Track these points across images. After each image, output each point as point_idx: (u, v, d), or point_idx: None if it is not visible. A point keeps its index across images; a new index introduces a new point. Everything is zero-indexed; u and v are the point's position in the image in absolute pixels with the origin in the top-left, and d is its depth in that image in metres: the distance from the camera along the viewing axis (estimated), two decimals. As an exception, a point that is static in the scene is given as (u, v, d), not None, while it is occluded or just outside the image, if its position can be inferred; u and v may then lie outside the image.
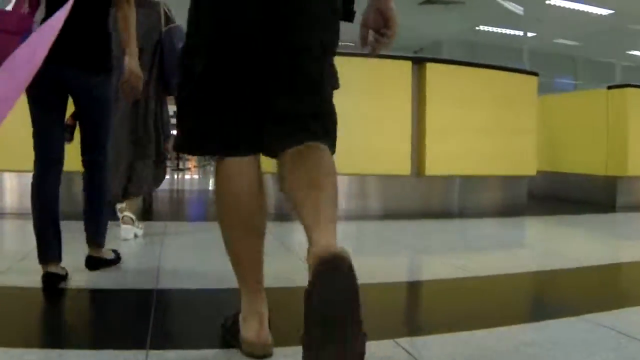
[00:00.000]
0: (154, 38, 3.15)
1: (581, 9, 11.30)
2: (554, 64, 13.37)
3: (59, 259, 1.98)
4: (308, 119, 1.26)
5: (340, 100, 4.08)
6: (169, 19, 3.26)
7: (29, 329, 1.57)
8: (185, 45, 1.32)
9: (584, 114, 5.75)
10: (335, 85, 1.37)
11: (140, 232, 3.10)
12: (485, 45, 13.11)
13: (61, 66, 1.94)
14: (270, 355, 1.29)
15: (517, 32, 12.86)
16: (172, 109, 4.81)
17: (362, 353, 1.01)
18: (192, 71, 1.26)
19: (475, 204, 4.66)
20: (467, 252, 2.96)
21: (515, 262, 2.71)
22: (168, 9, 3.30)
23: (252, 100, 1.25)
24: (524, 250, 3.23)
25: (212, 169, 12.37)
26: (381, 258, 2.76)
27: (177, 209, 5.14)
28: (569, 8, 11.20)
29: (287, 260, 2.50)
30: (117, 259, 2.30)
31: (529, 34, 11.93)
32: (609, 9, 11.20)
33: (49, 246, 1.97)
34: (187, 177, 11.12)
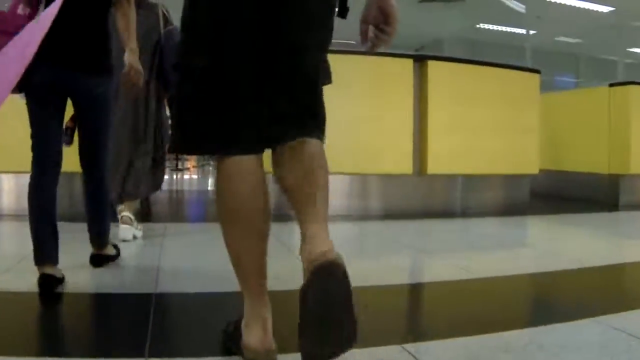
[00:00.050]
0: (153, 39, 3.14)
1: (582, 6, 11.27)
2: (555, 61, 13.34)
3: (55, 260, 1.95)
4: (305, 117, 1.29)
5: (341, 98, 4.07)
6: (167, 20, 3.25)
7: (24, 336, 1.53)
8: (182, 45, 1.28)
9: (586, 111, 5.72)
10: (328, 81, 1.37)
11: (139, 233, 3.07)
12: (486, 43, 13.08)
13: (61, 68, 1.95)
14: None
15: (517, 30, 12.84)
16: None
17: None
18: (191, 70, 1.23)
19: (478, 203, 4.63)
20: (470, 253, 2.92)
21: (519, 263, 2.68)
22: (166, 10, 3.29)
23: (252, 99, 1.23)
24: (528, 251, 3.19)
25: (211, 169, 12.39)
26: (384, 259, 2.72)
27: (177, 210, 5.11)
28: (569, 5, 11.16)
29: (288, 261, 2.44)
30: (117, 253, 2.35)
31: (531, 32, 11.90)
32: (610, 6, 11.16)
33: (45, 247, 1.94)
34: (186, 177, 11.07)
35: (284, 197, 1.29)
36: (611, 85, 5.56)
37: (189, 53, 1.25)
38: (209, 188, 8.03)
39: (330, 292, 1.12)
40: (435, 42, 13.73)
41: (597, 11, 11.49)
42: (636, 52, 14.35)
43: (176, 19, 3.34)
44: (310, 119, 1.30)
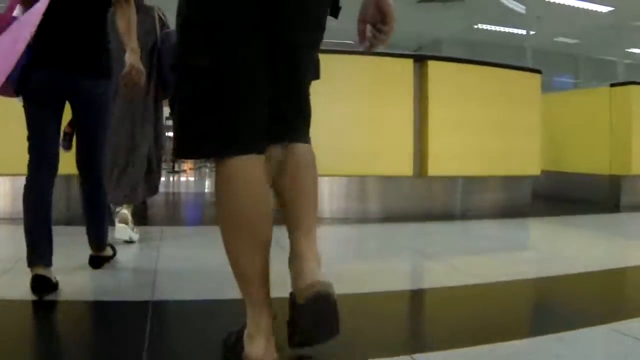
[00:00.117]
0: (149, 42, 3.11)
1: (581, 6, 11.24)
2: (554, 62, 13.31)
3: (49, 262, 1.91)
4: (300, 119, 1.35)
5: (340, 99, 4.00)
6: (163, 23, 3.24)
7: (17, 345, 1.47)
8: (180, 45, 1.23)
9: (587, 112, 5.68)
10: (316, 77, 1.39)
11: (135, 236, 3.01)
12: (484, 43, 13.06)
13: (60, 70, 1.94)
14: None
15: (516, 30, 12.82)
16: (167, 110, 4.71)
17: None
18: (190, 70, 1.19)
19: (478, 205, 4.58)
20: (473, 256, 2.87)
21: (524, 267, 2.62)
22: (162, 14, 3.28)
23: (252, 98, 1.21)
24: (532, 254, 3.13)
25: (207, 170, 12.34)
26: (386, 263, 2.66)
27: (174, 213, 5.04)
28: (568, 5, 11.13)
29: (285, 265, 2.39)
30: (114, 253, 2.35)
31: (530, 32, 11.87)
32: (609, 6, 11.14)
33: (39, 249, 1.90)
34: (182, 179, 11.00)
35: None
36: (612, 85, 5.52)
37: (187, 53, 1.21)
38: (206, 190, 7.98)
39: (320, 322, 1.25)
40: (433, 43, 13.71)
41: (595, 11, 11.47)
42: (635, 53, 14.34)
43: (172, 22, 3.34)
44: (303, 121, 1.36)
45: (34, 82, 1.92)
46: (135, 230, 3.05)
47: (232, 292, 1.31)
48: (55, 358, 1.39)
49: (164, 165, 4.07)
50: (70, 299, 1.86)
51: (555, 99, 6.10)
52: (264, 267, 1.23)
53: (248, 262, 1.22)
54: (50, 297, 1.85)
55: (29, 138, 1.99)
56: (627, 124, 5.28)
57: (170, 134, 12.72)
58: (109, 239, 2.37)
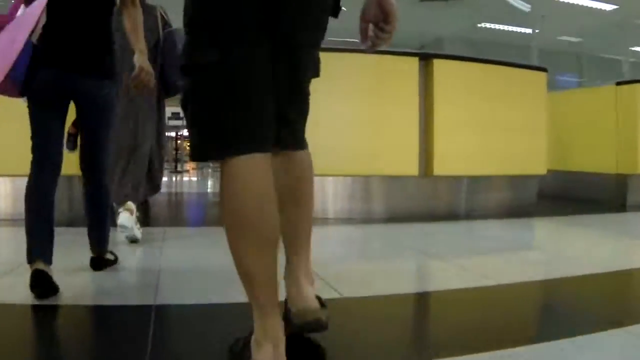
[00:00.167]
0: (151, 41, 3.10)
1: (584, 5, 11.17)
2: (557, 61, 13.23)
3: (49, 260, 1.88)
4: (297, 119, 1.35)
5: (344, 98, 3.95)
6: (165, 22, 3.24)
7: (16, 350, 1.42)
8: (188, 45, 1.21)
9: (592, 110, 5.64)
10: (315, 75, 1.38)
11: (139, 234, 3.00)
12: (487, 42, 12.98)
13: (65, 71, 1.95)
14: None
15: (519, 29, 12.75)
16: (169, 110, 4.69)
17: None
18: (201, 68, 1.17)
19: (484, 205, 4.54)
20: (482, 257, 2.81)
21: (534, 268, 2.57)
22: (164, 13, 3.28)
23: (261, 95, 1.19)
24: (542, 255, 3.08)
25: (210, 170, 12.30)
26: (394, 265, 2.62)
27: (176, 213, 5.00)
28: (571, 3, 11.07)
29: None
30: (115, 259, 2.32)
31: (532, 31, 11.81)
32: (613, 4, 11.07)
33: (39, 246, 1.88)
34: (185, 179, 10.97)
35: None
36: (618, 83, 5.48)
37: (196, 51, 1.19)
38: (209, 190, 7.95)
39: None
40: (435, 42, 13.65)
41: (599, 9, 11.40)
42: (639, 51, 14.23)
43: (174, 21, 3.32)
44: (304, 122, 1.37)
45: (39, 82, 1.93)
46: (138, 226, 3.04)
47: (238, 295, 1.27)
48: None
49: (165, 165, 4.06)
50: (70, 303, 1.82)
51: (560, 98, 6.05)
52: (271, 269, 1.19)
53: (254, 263, 1.17)
54: (49, 301, 1.81)
55: (33, 138, 1.98)
56: (633, 122, 5.23)
57: (172, 133, 12.66)
58: (111, 246, 2.34)
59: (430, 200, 4.39)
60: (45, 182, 1.96)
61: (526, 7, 11.02)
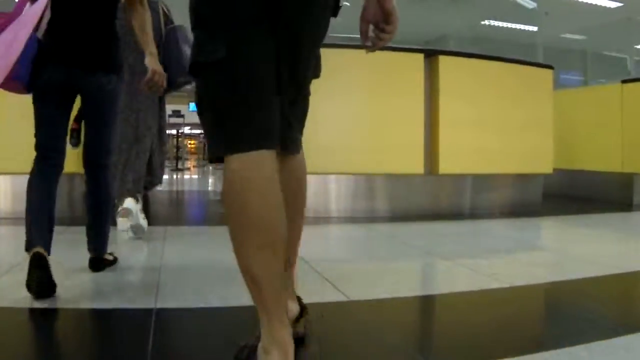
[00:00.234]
0: (154, 38, 3.09)
1: (588, 2, 11.08)
2: (561, 59, 13.15)
3: (47, 249, 1.85)
4: (297, 121, 1.32)
5: (348, 95, 3.90)
6: (167, 18, 3.23)
7: (12, 356, 1.36)
8: (196, 45, 1.18)
9: (598, 109, 5.58)
10: (317, 75, 1.35)
11: (145, 224, 3.04)
12: (490, 40, 12.89)
13: (71, 67, 1.96)
14: None
15: (522, 27, 12.67)
16: (170, 107, 4.64)
17: None
18: (210, 66, 1.14)
19: (489, 204, 4.49)
20: (492, 258, 2.75)
21: (545, 269, 2.52)
22: (167, 9, 3.28)
23: (269, 94, 1.17)
24: (553, 255, 3.01)
25: (211, 168, 12.26)
26: (401, 266, 2.56)
27: (177, 212, 4.95)
28: (575, 1, 10.98)
29: (302, 272, 2.29)
30: (115, 260, 2.29)
31: (535, 29, 11.74)
32: (617, 2, 10.98)
33: (39, 232, 1.86)
34: (186, 177, 10.93)
35: None
36: (623, 82, 5.41)
37: (204, 49, 1.16)
38: (210, 188, 7.90)
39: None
40: (437, 39, 13.57)
41: (603, 7, 11.31)
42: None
43: (176, 17, 3.28)
44: (303, 123, 1.35)
45: (45, 78, 1.94)
46: (144, 217, 3.08)
47: (243, 298, 1.21)
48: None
49: (167, 163, 4.04)
50: (68, 307, 1.76)
51: (565, 96, 5.98)
52: (279, 271, 1.13)
53: (261, 265, 1.11)
54: (46, 304, 1.76)
55: (36, 133, 1.99)
56: (639, 120, 5.17)
57: (173, 131, 12.62)
58: (110, 245, 2.29)
59: (435, 199, 4.34)
60: (47, 178, 1.97)
61: (531, 4, 10.93)
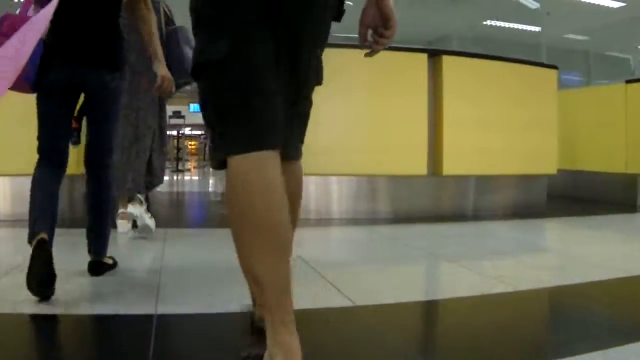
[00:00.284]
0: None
1: (590, 2, 11.03)
2: (564, 59, 13.10)
3: (51, 239, 1.84)
4: (299, 128, 1.31)
5: (350, 95, 3.86)
6: (168, 18, 3.22)
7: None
8: (198, 46, 1.18)
9: (601, 109, 5.53)
10: (319, 82, 1.34)
11: (151, 223, 3.10)
12: (492, 40, 12.85)
13: (75, 65, 1.95)
14: None
15: (525, 27, 12.62)
16: (170, 108, 4.62)
17: None
18: (212, 65, 1.14)
19: (493, 205, 4.44)
20: (497, 260, 2.71)
21: (554, 273, 2.48)
22: (168, 9, 3.27)
23: (272, 93, 1.15)
24: (559, 258, 2.97)
25: (211, 169, 12.23)
26: (408, 270, 2.53)
27: (178, 214, 4.91)
28: (578, 1, 10.93)
29: (301, 273, 2.26)
30: (114, 263, 2.26)
31: (537, 29, 11.69)
32: (620, 2, 10.93)
33: (42, 223, 1.84)
34: (186, 178, 10.89)
35: None
36: (627, 82, 5.37)
37: (206, 51, 1.16)
38: (210, 189, 7.86)
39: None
40: (439, 40, 13.53)
41: (606, 7, 11.26)
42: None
43: (177, 17, 3.25)
44: (304, 131, 1.34)
45: (50, 78, 1.93)
46: (150, 216, 3.13)
47: (246, 301, 1.16)
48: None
49: (167, 164, 4.02)
50: (65, 312, 1.71)
51: (569, 96, 5.94)
52: (285, 274, 1.09)
53: (264, 267, 1.08)
54: (44, 309, 1.71)
55: (39, 132, 1.99)
56: (643, 121, 5.13)
57: (173, 132, 12.60)
58: (110, 247, 2.24)
59: (438, 200, 4.30)
60: (50, 178, 1.96)
61: (534, 4, 10.89)
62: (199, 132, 19.56)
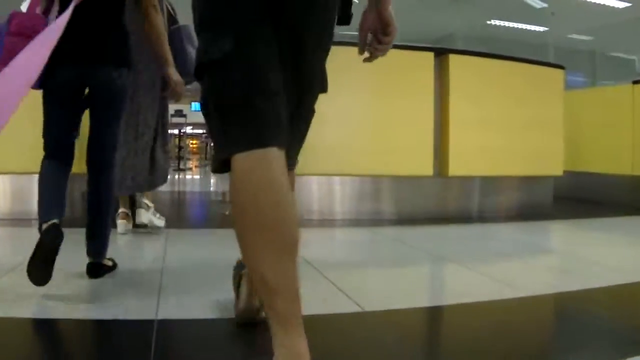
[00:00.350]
0: None
1: (596, 1, 10.96)
2: (569, 59, 13.04)
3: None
4: (298, 134, 1.30)
5: (355, 94, 3.81)
6: (171, 16, 3.20)
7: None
8: (201, 46, 1.17)
9: (608, 110, 5.48)
10: (324, 90, 1.33)
11: (160, 222, 3.19)
12: (497, 39, 12.80)
13: (79, 62, 1.94)
14: None
15: (527, 27, 12.57)
16: (172, 107, 4.58)
17: None
18: (216, 63, 1.12)
19: (499, 206, 4.39)
20: (505, 263, 2.66)
21: (564, 277, 2.42)
22: (172, 8, 3.25)
23: (276, 90, 1.13)
24: (566, 260, 2.91)
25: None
26: (416, 274, 2.47)
27: (180, 214, 4.85)
28: (583, 0, 10.87)
29: (306, 276, 2.20)
30: (114, 265, 2.22)
31: (541, 29, 11.65)
32: (626, 2, 10.86)
33: (54, 205, 1.89)
34: (188, 177, 10.86)
35: None
36: (634, 82, 5.31)
37: (208, 50, 1.14)
38: (211, 189, 7.82)
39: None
40: (443, 40, 13.48)
41: (612, 7, 11.20)
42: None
43: (181, 16, 3.21)
44: (303, 139, 1.33)
45: (56, 75, 1.92)
46: (158, 215, 3.23)
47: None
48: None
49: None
50: (62, 317, 1.65)
51: (575, 97, 5.88)
52: (293, 276, 1.05)
53: (276, 269, 1.03)
54: (41, 313, 1.66)
55: (45, 129, 1.99)
56: (650, 122, 5.08)
57: (175, 131, 12.59)
58: (110, 248, 2.19)
59: (443, 201, 4.25)
60: (56, 173, 1.97)
61: (540, 4, 10.83)
62: (200, 131, 19.56)
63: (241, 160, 1.06)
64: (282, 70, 1.15)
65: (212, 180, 9.21)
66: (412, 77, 4.08)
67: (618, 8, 11.27)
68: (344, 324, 1.65)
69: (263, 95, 1.09)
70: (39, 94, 1.99)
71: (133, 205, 3.31)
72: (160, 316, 1.65)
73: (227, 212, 4.05)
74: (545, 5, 10.95)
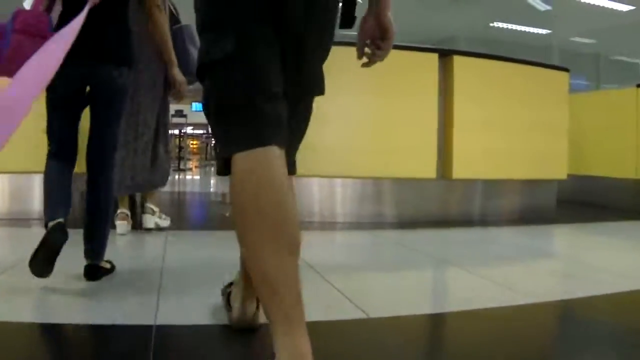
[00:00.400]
0: None
1: (599, 4, 10.93)
2: (572, 63, 13.02)
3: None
4: (297, 137, 1.31)
5: (357, 95, 3.76)
6: (173, 15, 3.19)
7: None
8: (203, 46, 1.18)
9: (612, 113, 5.45)
10: (322, 92, 1.34)
11: (165, 223, 3.26)
12: (499, 41, 12.78)
13: (80, 60, 1.92)
14: None
15: (530, 29, 12.56)
16: (172, 107, 4.55)
17: None
18: (217, 64, 1.13)
19: (503, 210, 4.36)
20: (510, 268, 2.62)
21: (570, 282, 2.38)
22: (174, 7, 3.25)
23: (277, 90, 1.14)
24: (571, 265, 2.87)
25: (213, 169, 12.16)
26: (421, 279, 2.43)
27: (179, 215, 4.81)
28: (585, 3, 10.85)
29: (307, 280, 2.16)
30: (112, 267, 2.19)
31: (544, 31, 11.64)
32: (630, 5, 10.83)
33: (60, 204, 1.91)
34: (188, 177, 10.83)
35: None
36: (639, 86, 5.29)
37: (210, 51, 1.15)
38: (211, 190, 7.79)
39: None
40: (445, 41, 13.47)
41: (615, 10, 11.17)
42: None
43: (183, 15, 3.18)
44: (300, 142, 1.33)
45: (59, 74, 1.85)
46: (163, 216, 3.30)
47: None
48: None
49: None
50: (59, 322, 1.62)
51: (579, 100, 5.85)
52: (295, 275, 1.04)
53: (278, 268, 1.02)
54: (37, 317, 1.64)
55: (48, 128, 2.01)
56: (654, 125, 5.04)
57: (176, 131, 12.58)
58: (108, 250, 2.16)
59: (445, 205, 4.21)
60: (61, 172, 1.98)
61: (544, 6, 10.81)
62: (201, 132, 19.56)
63: (241, 159, 1.06)
64: (283, 70, 1.15)
65: (212, 181, 9.19)
66: (415, 78, 4.05)
67: (622, 11, 11.25)
68: (348, 330, 1.61)
69: (264, 96, 1.10)
70: (38, 94, 1.98)
71: (132, 206, 3.29)
72: (159, 321, 1.60)
73: (227, 214, 4.02)
74: (548, 7, 10.92)
